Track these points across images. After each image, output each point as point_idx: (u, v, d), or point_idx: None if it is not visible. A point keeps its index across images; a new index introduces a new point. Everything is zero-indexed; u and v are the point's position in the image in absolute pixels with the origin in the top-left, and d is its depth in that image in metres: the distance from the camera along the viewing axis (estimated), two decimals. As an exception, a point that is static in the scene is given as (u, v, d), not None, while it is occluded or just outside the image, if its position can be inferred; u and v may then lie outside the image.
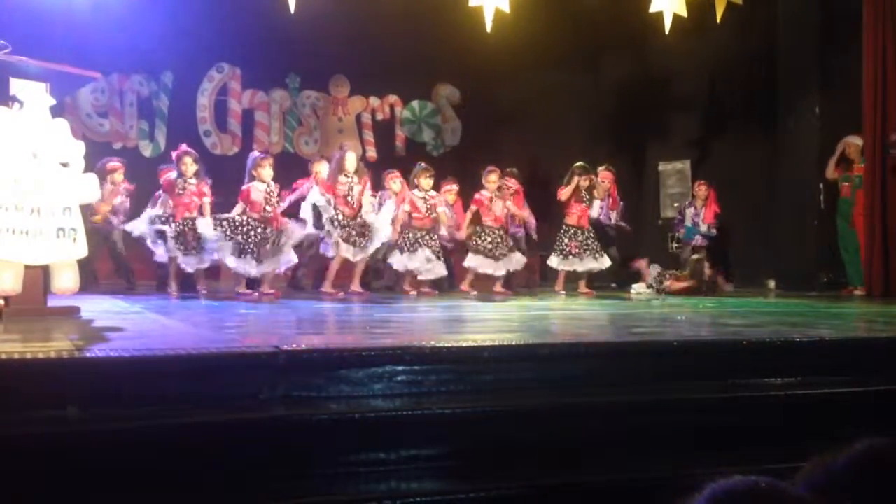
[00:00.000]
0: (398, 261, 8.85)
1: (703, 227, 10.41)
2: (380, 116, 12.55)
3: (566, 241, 9.46)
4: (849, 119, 9.13)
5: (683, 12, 9.23)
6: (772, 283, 10.50)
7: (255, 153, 8.58)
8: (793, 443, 3.11)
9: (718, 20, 9.61)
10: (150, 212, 8.27)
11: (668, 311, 6.67)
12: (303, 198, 8.79)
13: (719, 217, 10.47)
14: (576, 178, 9.51)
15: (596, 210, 9.94)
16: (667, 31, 9.42)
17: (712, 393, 3.42)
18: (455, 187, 9.78)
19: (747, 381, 3.57)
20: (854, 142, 9.16)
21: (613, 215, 10.52)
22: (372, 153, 12.32)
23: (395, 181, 9.35)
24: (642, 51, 11.99)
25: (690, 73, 11.66)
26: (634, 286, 9.65)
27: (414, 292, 8.74)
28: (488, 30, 9.15)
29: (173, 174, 8.26)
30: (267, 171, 8.08)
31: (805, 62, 9.89)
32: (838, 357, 3.83)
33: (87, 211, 8.00)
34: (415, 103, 12.67)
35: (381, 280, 9.76)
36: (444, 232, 9.28)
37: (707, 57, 11.38)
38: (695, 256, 9.69)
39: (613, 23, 11.13)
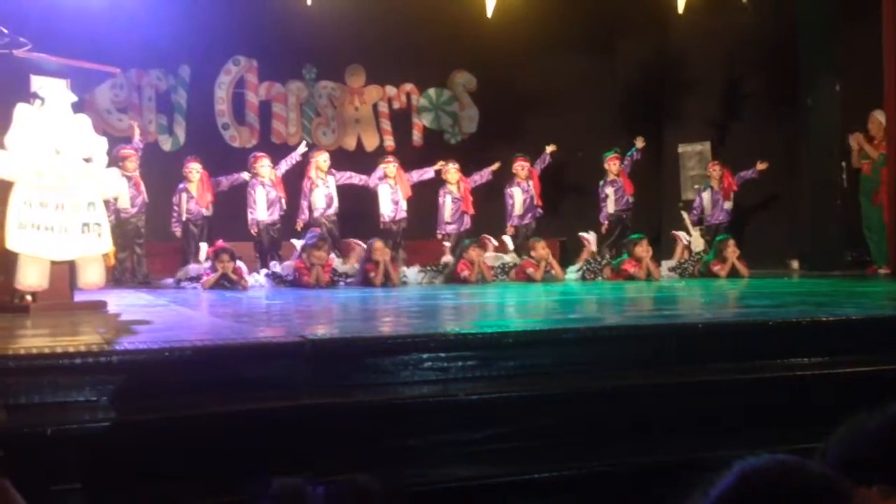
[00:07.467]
0: None
1: (727, 205, 10.42)
2: (396, 105, 12.55)
3: None
4: (871, 96, 9.02)
5: None
6: (795, 263, 10.42)
7: (309, 237, 8.86)
8: (821, 423, 3.09)
9: (745, 0, 9.55)
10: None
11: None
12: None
13: (736, 196, 10.44)
14: None
15: None
16: (680, 10, 9.34)
17: (739, 374, 3.41)
18: (457, 165, 10.05)
19: (774, 362, 3.55)
20: (878, 118, 9.02)
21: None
22: (389, 142, 12.33)
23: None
24: (661, 32, 11.91)
25: (709, 54, 11.55)
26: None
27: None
28: (489, 15, 9.19)
29: None
30: (322, 253, 8.41)
31: (825, 39, 9.77)
32: (865, 336, 3.80)
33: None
34: (431, 91, 12.65)
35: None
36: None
37: (726, 36, 11.27)
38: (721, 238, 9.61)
39: (631, 4, 11.05)
